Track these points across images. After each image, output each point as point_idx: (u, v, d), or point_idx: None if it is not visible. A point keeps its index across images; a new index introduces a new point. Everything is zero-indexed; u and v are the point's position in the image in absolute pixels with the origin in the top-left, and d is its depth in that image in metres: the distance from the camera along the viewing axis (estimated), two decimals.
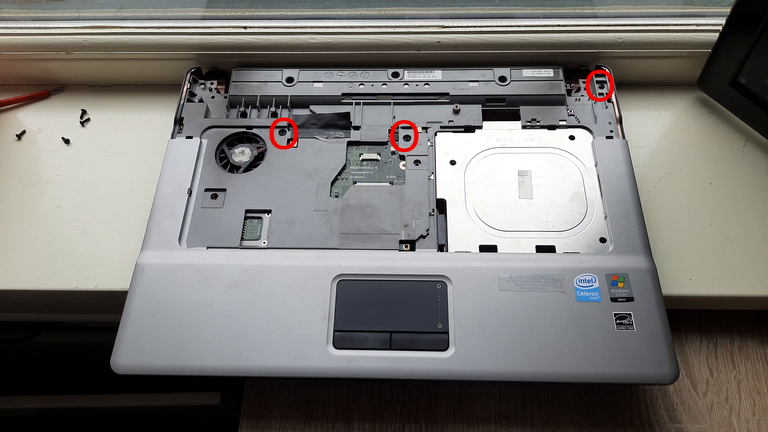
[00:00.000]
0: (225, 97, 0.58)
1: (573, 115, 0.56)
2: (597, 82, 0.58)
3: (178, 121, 0.56)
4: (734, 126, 0.59)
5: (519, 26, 0.58)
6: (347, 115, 0.56)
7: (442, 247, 0.48)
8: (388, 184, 0.52)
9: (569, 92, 0.58)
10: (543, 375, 0.42)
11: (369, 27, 0.59)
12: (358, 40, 0.59)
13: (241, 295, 0.45)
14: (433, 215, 0.50)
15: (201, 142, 0.54)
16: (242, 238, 0.49)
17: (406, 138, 0.55)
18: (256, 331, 0.44)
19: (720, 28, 0.55)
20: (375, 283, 0.46)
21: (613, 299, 0.44)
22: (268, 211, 0.50)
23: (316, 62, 0.60)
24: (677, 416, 0.48)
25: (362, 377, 0.43)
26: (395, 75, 0.58)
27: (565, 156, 0.53)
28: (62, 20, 0.62)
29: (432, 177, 0.52)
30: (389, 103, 0.57)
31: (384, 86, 0.58)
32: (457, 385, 0.49)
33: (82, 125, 0.61)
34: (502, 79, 0.57)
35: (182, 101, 0.57)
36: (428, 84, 0.58)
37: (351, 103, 0.57)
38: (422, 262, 0.47)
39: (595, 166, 0.52)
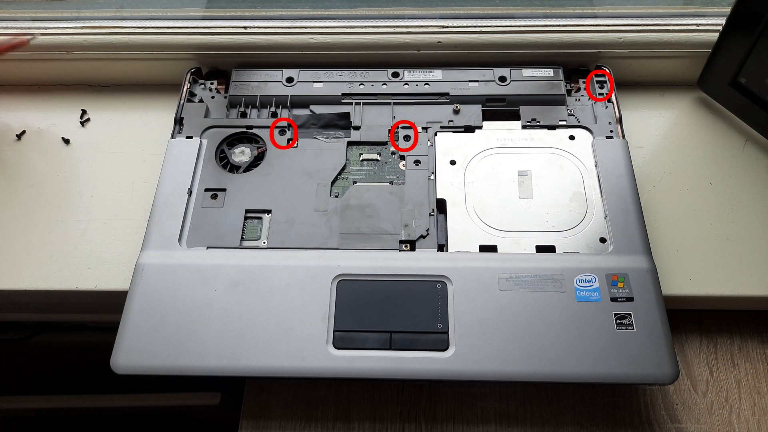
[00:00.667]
0: (225, 97, 0.58)
1: (573, 115, 0.56)
2: (597, 82, 0.58)
3: (178, 121, 0.56)
4: (734, 126, 0.59)
5: (519, 26, 0.58)
6: (347, 115, 0.56)
7: (442, 247, 0.48)
8: (388, 184, 0.52)
9: (569, 92, 0.58)
10: (543, 375, 0.42)
11: (369, 27, 0.59)
12: (358, 40, 0.59)
13: (241, 295, 0.45)
14: (433, 215, 0.50)
15: (201, 142, 0.54)
16: (242, 238, 0.49)
17: (406, 138, 0.55)
18: (256, 331, 0.44)
19: (720, 28, 0.55)
20: (375, 283, 0.46)
21: (613, 299, 0.44)
22: (268, 211, 0.50)
23: (316, 62, 0.60)
24: (677, 416, 0.48)
25: (362, 377, 0.43)
26: (395, 75, 0.58)
27: (565, 156, 0.53)
28: (62, 20, 0.62)
29: (432, 177, 0.52)
30: (389, 103, 0.57)
31: (384, 86, 0.58)
32: (457, 385, 0.49)
33: (82, 125, 0.61)
34: (502, 79, 0.57)
35: (182, 101, 0.57)
36: (428, 84, 0.58)
37: (351, 103, 0.57)
38: (422, 262, 0.47)
39: (595, 166, 0.52)
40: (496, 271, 0.46)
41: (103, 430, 0.90)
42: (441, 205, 0.51)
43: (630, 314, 0.44)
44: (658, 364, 0.42)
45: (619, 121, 0.54)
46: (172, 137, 0.55)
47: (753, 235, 0.51)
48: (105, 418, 0.86)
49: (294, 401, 0.49)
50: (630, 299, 0.44)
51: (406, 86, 0.58)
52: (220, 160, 0.54)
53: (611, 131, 0.54)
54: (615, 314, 0.44)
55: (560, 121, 0.55)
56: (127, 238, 0.53)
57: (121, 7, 0.64)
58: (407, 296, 0.45)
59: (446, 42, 0.59)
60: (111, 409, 0.82)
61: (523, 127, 0.55)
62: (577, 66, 0.60)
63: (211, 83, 0.59)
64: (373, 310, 0.45)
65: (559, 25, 0.58)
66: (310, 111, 0.57)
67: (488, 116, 0.56)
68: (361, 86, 0.58)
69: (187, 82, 0.58)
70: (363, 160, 0.54)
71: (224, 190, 0.52)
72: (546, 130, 0.55)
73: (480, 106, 0.56)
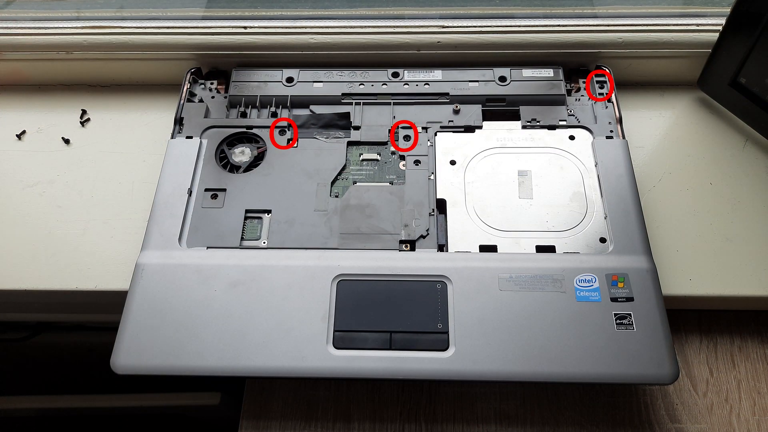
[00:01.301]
0: (225, 97, 0.58)
1: (573, 115, 0.56)
2: (597, 82, 0.58)
3: (178, 121, 0.56)
4: (734, 126, 0.59)
5: (519, 26, 0.58)
6: (347, 115, 0.56)
7: (442, 247, 0.48)
8: (388, 184, 0.52)
9: (569, 92, 0.58)
10: (543, 375, 0.42)
11: (369, 27, 0.59)
12: (358, 40, 0.59)
13: (241, 295, 0.45)
14: (433, 215, 0.50)
15: (201, 142, 0.54)
16: (242, 238, 0.49)
17: (406, 138, 0.55)
18: (256, 331, 0.44)
19: (720, 28, 0.55)
20: (375, 283, 0.46)
21: (613, 299, 0.44)
22: (268, 211, 0.50)
23: (316, 62, 0.60)
24: (677, 416, 0.48)
25: (362, 377, 0.43)
26: (395, 75, 0.58)
27: (565, 156, 0.53)
28: (62, 20, 0.62)
29: (432, 177, 0.52)
30: (389, 103, 0.57)
31: (384, 86, 0.58)
32: (457, 385, 0.49)
33: (82, 125, 0.61)
34: (502, 79, 0.57)
35: (182, 101, 0.57)
36: (428, 84, 0.58)
37: (351, 103, 0.57)
38: (422, 262, 0.47)
39: (595, 166, 0.52)
40: (496, 271, 0.46)
41: (103, 430, 0.90)
42: (441, 205, 0.51)
43: (630, 314, 0.44)
44: (658, 364, 0.42)
45: (619, 121, 0.55)
46: (172, 137, 0.55)
47: (753, 235, 0.51)
48: (105, 418, 0.86)
49: (294, 401, 0.49)
50: (630, 299, 0.44)
51: (406, 86, 0.58)
52: (220, 160, 0.54)
53: (611, 131, 0.54)
54: (615, 314, 0.44)
55: (560, 121, 0.55)
56: (127, 238, 0.53)
57: (121, 7, 0.64)
58: (407, 296, 0.45)
59: (446, 42, 0.59)
60: (111, 409, 0.82)
61: (523, 127, 0.55)
62: (577, 66, 0.60)
63: (211, 83, 0.59)
64: (373, 310, 0.45)
65: (559, 25, 0.58)
66: (310, 111, 0.57)
67: (488, 116, 0.56)
68: (361, 86, 0.58)
69: (187, 82, 0.58)
70: (363, 160, 0.54)
71: (224, 190, 0.52)
72: (546, 130, 0.55)
73: (480, 106, 0.56)
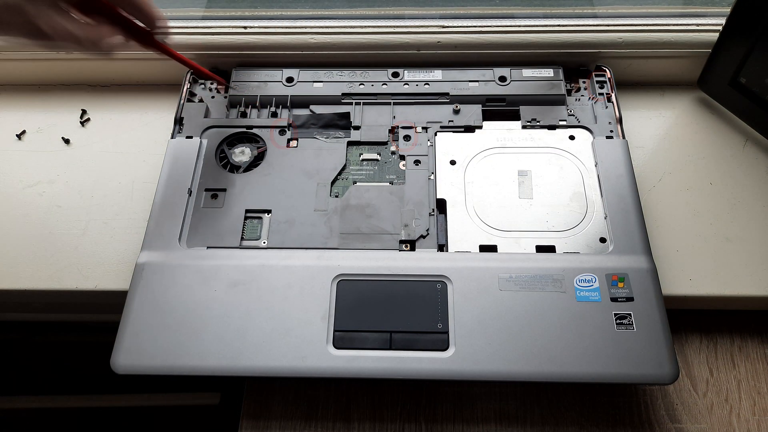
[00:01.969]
0: (225, 97, 0.58)
1: (573, 115, 0.56)
2: (597, 82, 0.58)
3: (178, 121, 0.56)
4: (734, 126, 0.59)
5: (519, 26, 0.58)
6: (347, 115, 0.56)
7: (442, 247, 0.48)
8: (388, 184, 0.52)
9: (569, 92, 0.58)
10: (543, 375, 0.42)
11: (369, 27, 0.59)
12: (358, 40, 0.59)
13: (241, 295, 0.45)
14: (433, 215, 0.50)
15: (201, 142, 0.54)
16: (242, 238, 0.49)
17: (406, 138, 0.55)
18: (256, 331, 0.44)
19: (720, 28, 0.55)
20: (375, 283, 0.46)
21: (613, 299, 0.44)
22: (268, 211, 0.50)
23: (316, 62, 0.60)
24: (677, 416, 0.48)
25: (362, 377, 0.43)
26: (395, 75, 0.58)
27: (565, 156, 0.53)
28: None
29: (432, 177, 0.52)
30: (389, 103, 0.57)
31: (384, 86, 0.58)
32: (457, 385, 0.49)
33: (82, 125, 0.61)
34: (502, 79, 0.57)
35: (182, 101, 0.57)
36: (428, 84, 0.58)
37: (351, 103, 0.57)
38: (422, 262, 0.47)
39: (595, 166, 0.52)
40: (496, 271, 0.46)
41: (103, 430, 0.90)
42: (441, 205, 0.51)
43: (630, 314, 0.44)
44: (658, 364, 0.42)
45: (619, 121, 0.54)
46: (172, 137, 0.55)
47: (753, 235, 0.51)
48: (105, 418, 0.86)
49: (294, 401, 0.49)
50: (630, 299, 0.44)
51: (406, 86, 0.58)
52: (220, 160, 0.54)
53: (611, 131, 0.54)
54: (615, 314, 0.44)
55: (560, 121, 0.55)
56: (127, 238, 0.53)
57: None
58: (407, 296, 0.45)
59: (446, 42, 0.59)
60: (111, 409, 0.82)
61: (523, 127, 0.55)
62: (577, 66, 0.60)
63: (211, 83, 0.59)
64: (373, 310, 0.45)
65: (559, 25, 0.58)
66: (310, 111, 0.57)
67: (488, 116, 0.56)
68: (361, 86, 0.58)
69: (187, 82, 0.58)
70: (363, 160, 0.54)
71: (224, 190, 0.52)
72: (546, 130, 0.55)
73: (480, 106, 0.56)
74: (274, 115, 0.57)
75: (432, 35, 0.59)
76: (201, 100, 0.58)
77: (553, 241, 0.48)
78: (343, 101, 0.57)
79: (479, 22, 0.59)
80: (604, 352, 0.42)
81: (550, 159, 0.53)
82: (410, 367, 0.42)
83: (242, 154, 0.54)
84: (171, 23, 0.60)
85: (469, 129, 0.55)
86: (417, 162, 0.53)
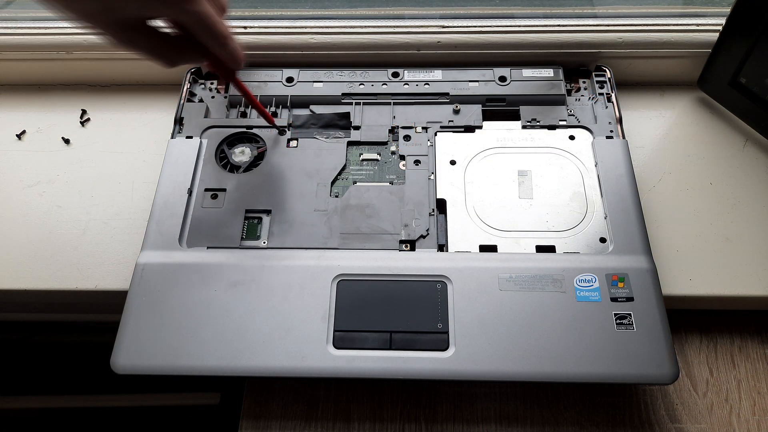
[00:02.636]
0: (225, 97, 0.58)
1: (573, 115, 0.56)
2: (597, 82, 0.58)
3: (178, 121, 0.56)
4: (734, 126, 0.59)
5: (519, 26, 0.58)
6: (347, 115, 0.56)
7: (442, 247, 0.48)
8: (388, 184, 0.52)
9: (569, 92, 0.58)
10: (543, 375, 0.42)
11: (369, 27, 0.59)
12: (358, 40, 0.59)
13: (241, 295, 0.45)
14: (433, 215, 0.50)
15: (201, 142, 0.54)
16: (242, 238, 0.49)
17: (406, 138, 0.55)
18: (256, 331, 0.44)
19: (720, 28, 0.55)
20: (375, 283, 0.46)
21: (613, 299, 0.44)
22: (268, 211, 0.50)
23: (316, 62, 0.60)
24: (677, 416, 0.48)
25: (362, 377, 0.43)
26: (395, 75, 0.58)
27: (565, 156, 0.53)
28: (62, 20, 0.61)
29: (432, 177, 0.52)
30: (389, 103, 0.57)
31: (384, 86, 0.58)
32: (457, 385, 0.49)
33: (82, 125, 0.61)
34: (502, 79, 0.57)
35: (182, 101, 0.57)
36: (428, 84, 0.58)
37: (351, 103, 0.57)
38: (422, 262, 0.47)
39: (595, 166, 0.52)
40: (496, 271, 0.46)
41: (103, 430, 0.90)
42: (441, 205, 0.51)
43: (630, 314, 0.44)
44: (658, 364, 0.42)
45: (619, 121, 0.54)
46: (172, 137, 0.55)
47: (753, 235, 0.51)
48: (105, 418, 0.86)
49: (294, 401, 0.49)
50: (630, 299, 0.44)
51: (406, 86, 0.58)
52: (220, 160, 0.54)
53: (611, 131, 0.54)
54: (615, 314, 0.44)
55: (560, 121, 0.55)
56: (127, 238, 0.53)
57: None
58: (407, 296, 0.45)
59: (446, 42, 0.59)
60: (111, 409, 0.82)
61: (523, 127, 0.55)
62: (577, 66, 0.60)
63: (211, 83, 0.59)
64: (373, 310, 0.45)
65: (559, 25, 0.58)
66: (310, 111, 0.57)
67: (488, 116, 0.56)
68: (361, 86, 0.58)
69: (187, 82, 0.58)
70: (363, 160, 0.54)
71: (224, 190, 0.52)
72: (546, 130, 0.55)
73: (480, 106, 0.56)
74: (274, 115, 0.57)
75: (432, 35, 0.59)
76: (201, 100, 0.58)
77: (553, 241, 0.48)
78: (343, 101, 0.57)
79: (479, 22, 0.59)
80: (604, 352, 0.42)
81: (550, 159, 0.53)
82: (410, 367, 0.42)
83: (242, 154, 0.54)
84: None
85: (469, 129, 0.55)
86: (417, 162, 0.53)
